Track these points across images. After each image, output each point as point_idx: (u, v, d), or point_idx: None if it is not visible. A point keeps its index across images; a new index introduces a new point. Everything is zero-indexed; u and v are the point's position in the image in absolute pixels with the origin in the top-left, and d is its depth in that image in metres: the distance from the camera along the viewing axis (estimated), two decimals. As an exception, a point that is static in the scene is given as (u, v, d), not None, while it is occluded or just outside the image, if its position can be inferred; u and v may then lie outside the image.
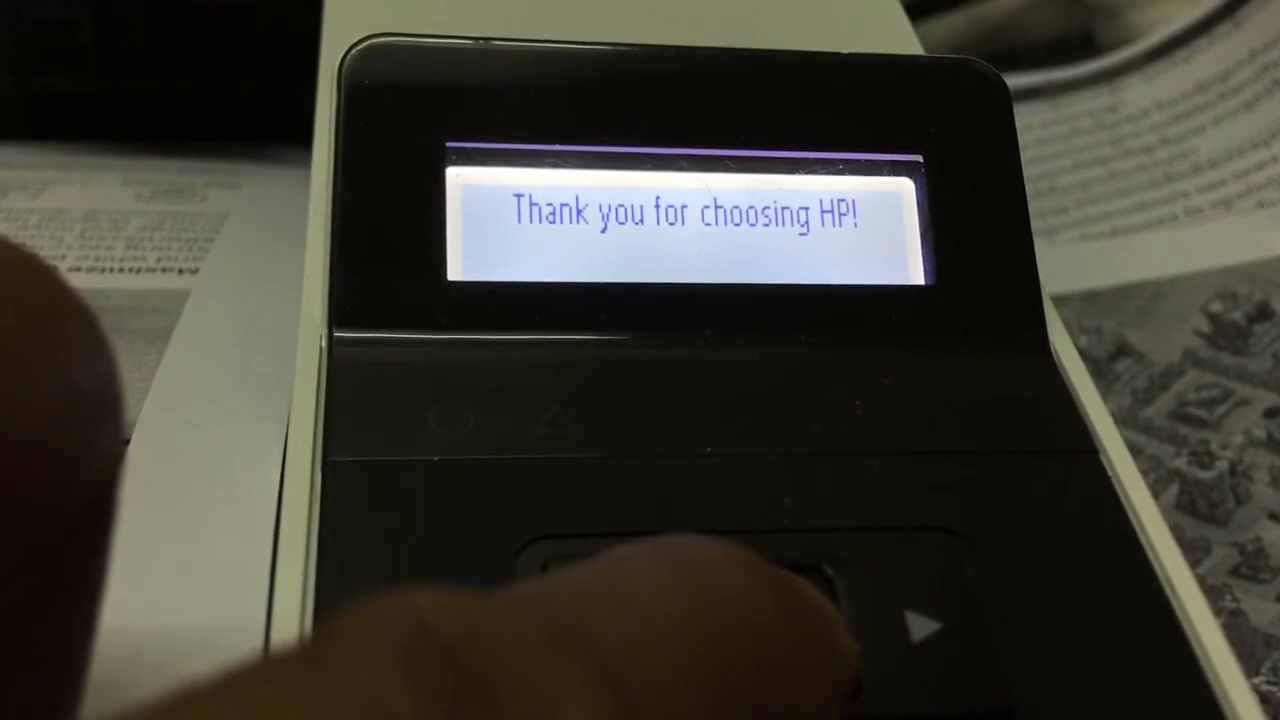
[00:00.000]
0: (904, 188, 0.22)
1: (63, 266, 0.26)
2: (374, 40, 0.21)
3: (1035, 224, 0.40)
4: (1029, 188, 0.43)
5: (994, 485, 0.19)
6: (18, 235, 0.27)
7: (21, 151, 0.33)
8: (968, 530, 0.18)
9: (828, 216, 0.22)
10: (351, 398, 0.18)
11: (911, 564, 0.18)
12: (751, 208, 0.21)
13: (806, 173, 0.22)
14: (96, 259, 0.26)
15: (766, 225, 0.21)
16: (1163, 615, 0.18)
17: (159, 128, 0.35)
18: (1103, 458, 0.19)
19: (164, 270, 0.26)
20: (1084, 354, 0.35)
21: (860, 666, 0.15)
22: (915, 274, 0.21)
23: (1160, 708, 0.17)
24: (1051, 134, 0.46)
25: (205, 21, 0.35)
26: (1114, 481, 0.19)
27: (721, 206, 0.21)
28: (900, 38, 0.25)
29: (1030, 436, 0.20)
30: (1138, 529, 0.19)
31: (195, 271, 0.26)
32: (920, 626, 0.17)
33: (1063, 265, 0.40)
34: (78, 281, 0.25)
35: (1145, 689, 0.17)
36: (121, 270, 0.26)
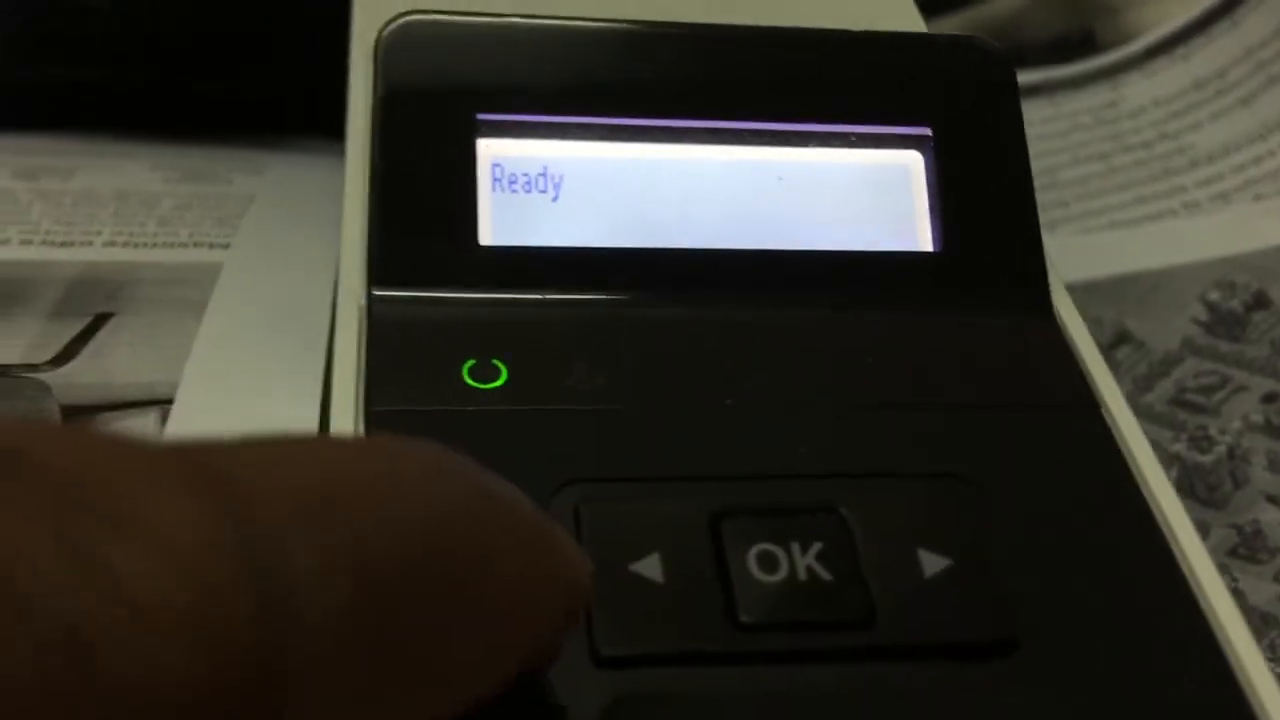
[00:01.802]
0: (912, 159, 0.23)
1: (98, 242, 0.27)
2: (409, 17, 0.22)
3: (1037, 216, 0.41)
4: (1030, 181, 0.43)
5: (1000, 436, 0.20)
6: (54, 213, 0.28)
7: (44, 140, 0.34)
8: (975, 476, 0.19)
9: (841, 186, 0.22)
10: (390, 352, 0.19)
11: (922, 506, 0.18)
12: (769, 177, 0.22)
13: (822, 145, 0.23)
14: (131, 235, 0.27)
15: (783, 194, 0.22)
16: (1160, 555, 0.18)
17: (179, 118, 0.36)
18: (1104, 412, 0.20)
19: (196, 245, 0.27)
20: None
21: (589, 592, 0.15)
22: (924, 241, 0.22)
23: (1153, 637, 0.18)
24: (1052, 130, 0.46)
25: (224, 10, 0.35)
26: (1114, 433, 0.20)
27: (740, 176, 0.22)
28: (905, 18, 0.26)
29: (1035, 392, 0.21)
30: (1138, 477, 0.19)
31: (226, 246, 0.26)
32: (931, 563, 0.18)
33: (1064, 257, 0.40)
34: (114, 256, 0.26)
35: (1141, 622, 0.18)
36: (155, 245, 0.26)
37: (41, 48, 0.36)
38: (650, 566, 0.17)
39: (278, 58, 0.36)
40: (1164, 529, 0.19)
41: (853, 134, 0.23)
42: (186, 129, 0.35)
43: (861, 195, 0.23)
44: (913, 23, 0.27)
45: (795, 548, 0.17)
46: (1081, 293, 0.38)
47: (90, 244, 0.26)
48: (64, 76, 0.36)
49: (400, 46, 0.21)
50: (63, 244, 0.26)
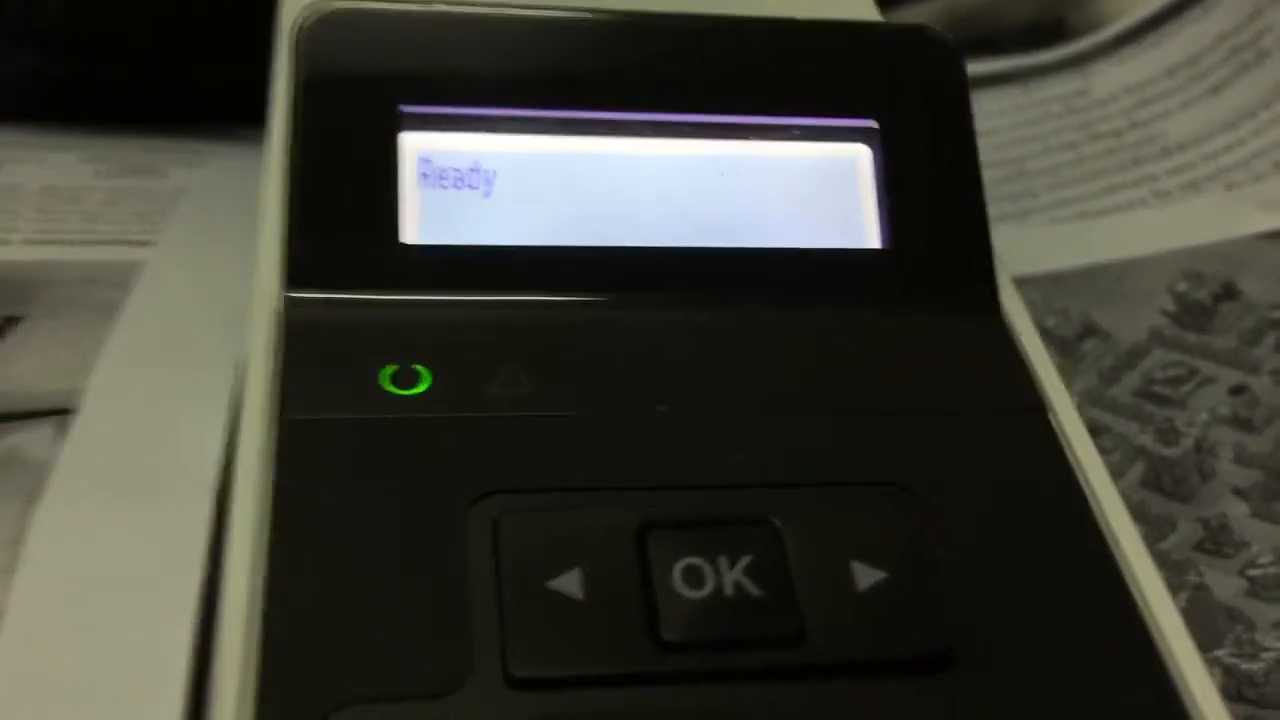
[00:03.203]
0: (859, 153, 0.22)
1: (15, 240, 0.26)
2: (328, 6, 0.21)
3: (1005, 208, 0.40)
4: (999, 172, 0.43)
5: (941, 442, 0.19)
6: (-27, 210, 0.27)
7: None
8: (915, 485, 0.18)
9: (784, 181, 0.22)
10: (305, 357, 0.19)
11: (858, 517, 0.18)
12: (707, 172, 0.22)
13: (763, 138, 0.22)
14: (51, 232, 0.26)
15: (722, 189, 0.22)
16: (1104, 566, 0.18)
17: (123, 109, 0.35)
18: (1051, 416, 0.20)
19: (118, 243, 0.26)
20: (1051, 334, 0.35)
21: None
22: (870, 237, 0.22)
23: (1095, 650, 0.17)
24: (1022, 119, 0.46)
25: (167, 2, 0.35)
26: (1062, 439, 0.19)
27: (677, 171, 0.21)
28: (859, 6, 0.25)
29: (980, 395, 0.20)
30: (1084, 485, 0.19)
31: (151, 243, 0.26)
32: (866, 575, 0.17)
33: (1032, 247, 0.40)
34: (31, 254, 0.25)
35: (1083, 635, 0.17)
36: (74, 243, 0.26)
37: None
38: (569, 582, 0.17)
39: (223, 46, 0.35)
40: (1107, 536, 0.18)
41: (796, 127, 0.22)
42: (131, 121, 0.34)
43: (806, 190, 0.22)
44: (867, 10, 0.26)
45: (723, 561, 0.17)
46: (1049, 284, 0.38)
47: (8, 242, 0.25)
48: (9, 69, 0.35)
49: (319, 36, 0.21)
50: (-22, 243, 0.26)
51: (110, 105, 0.35)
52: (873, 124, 0.22)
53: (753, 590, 0.17)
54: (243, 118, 0.35)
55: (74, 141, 0.32)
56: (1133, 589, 0.18)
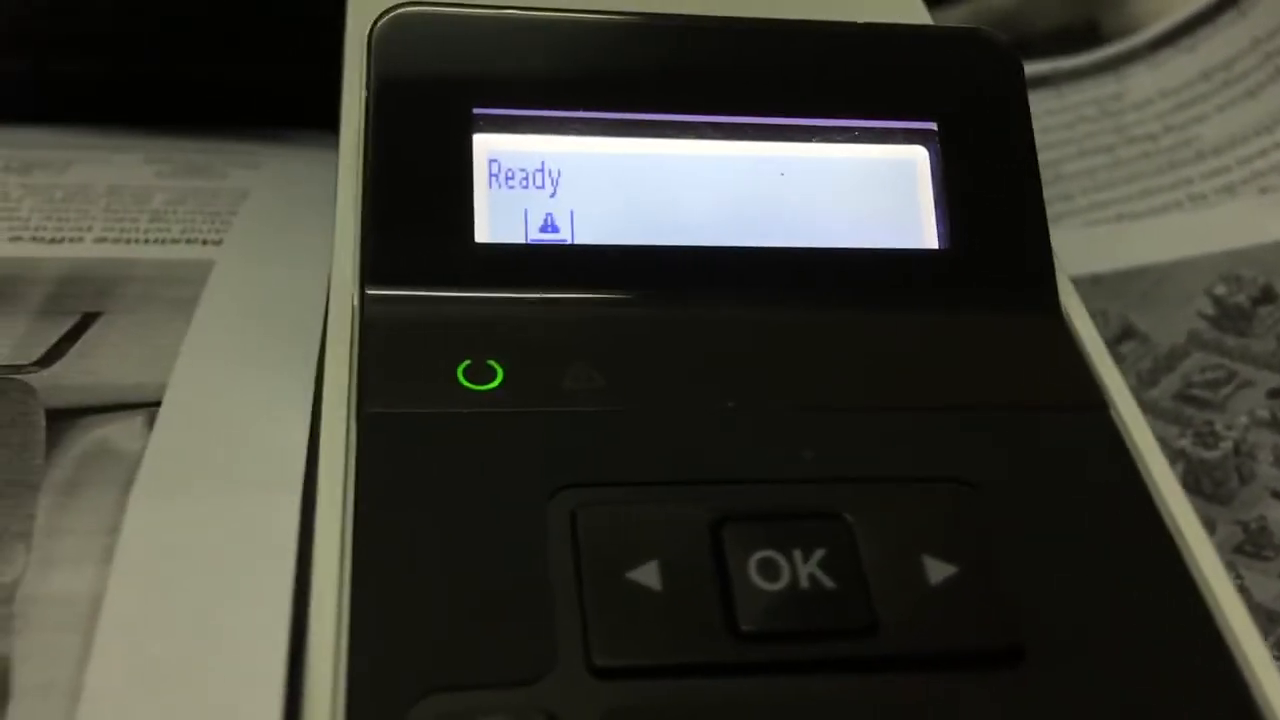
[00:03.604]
0: (918, 154, 0.22)
1: (89, 238, 0.26)
2: (403, 9, 0.21)
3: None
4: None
5: (1006, 438, 0.19)
6: (44, 208, 0.27)
7: (41, 133, 0.33)
8: (981, 480, 0.19)
9: (844, 182, 0.22)
10: (383, 352, 0.19)
11: (928, 512, 0.18)
12: (770, 173, 0.22)
13: (824, 140, 0.22)
14: (122, 231, 0.27)
15: (785, 190, 0.22)
16: (1169, 559, 0.18)
17: (177, 111, 0.35)
18: (1113, 412, 0.20)
19: (188, 241, 0.26)
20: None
21: None
22: (929, 238, 0.22)
23: (1162, 643, 0.17)
24: (1057, 122, 0.46)
25: (222, 4, 0.35)
26: (1124, 435, 0.20)
27: (741, 172, 0.22)
28: (910, 10, 0.26)
29: (1042, 392, 0.20)
30: (1146, 479, 0.19)
31: (219, 243, 0.26)
32: (937, 570, 0.17)
33: (1068, 250, 0.40)
34: (104, 252, 0.26)
35: (1150, 628, 0.17)
36: (147, 241, 0.26)
37: (40, 40, 0.35)
38: (648, 574, 0.17)
39: (278, 49, 0.36)
40: (1173, 532, 0.19)
41: (857, 129, 0.22)
42: (184, 122, 0.34)
43: (866, 191, 0.22)
44: (918, 15, 0.26)
45: (797, 555, 0.17)
46: (1086, 287, 0.38)
47: (80, 240, 0.26)
48: (63, 69, 0.35)
49: (393, 39, 0.21)
50: (52, 240, 0.26)
51: (162, 107, 0.35)
52: (931, 126, 0.22)
53: (826, 583, 0.17)
54: (289, 119, 0.35)
55: (131, 143, 0.32)
56: (1199, 584, 0.18)
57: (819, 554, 0.17)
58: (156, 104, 0.35)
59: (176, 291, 0.24)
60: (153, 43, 0.35)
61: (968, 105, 0.23)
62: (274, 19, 0.35)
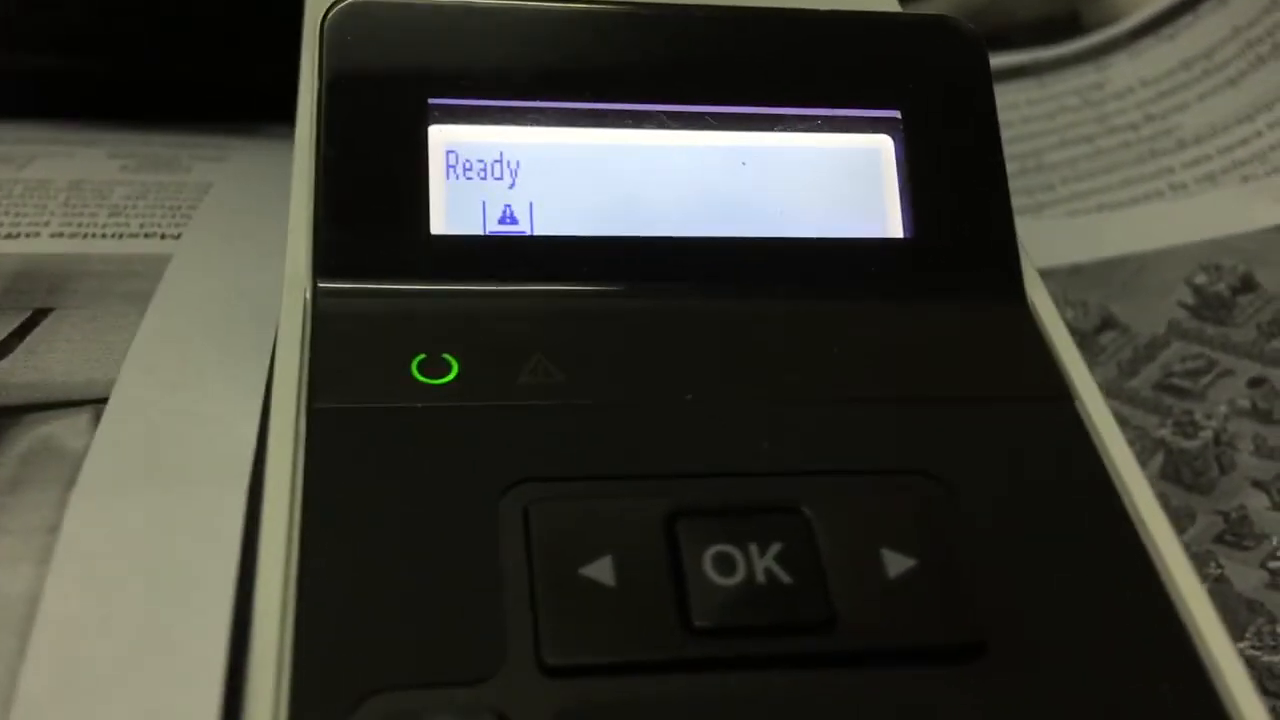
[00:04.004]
0: (882, 143, 0.22)
1: (45, 233, 0.26)
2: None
3: (1022, 201, 0.40)
4: (1015, 165, 0.43)
5: (970, 430, 0.19)
6: (2, 204, 0.27)
7: (8, 128, 0.33)
8: (943, 473, 0.18)
9: (808, 171, 0.22)
10: (335, 346, 0.19)
11: (887, 504, 0.18)
12: (731, 163, 0.22)
13: (786, 128, 0.22)
14: (80, 225, 0.26)
15: (746, 180, 0.22)
16: (1134, 553, 0.18)
17: (147, 106, 0.35)
18: (1077, 404, 0.20)
19: (146, 236, 0.26)
20: (1069, 327, 0.35)
21: None
22: (893, 227, 0.22)
23: (1127, 638, 0.17)
24: (1038, 112, 0.46)
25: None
26: (1088, 426, 0.19)
27: (703, 161, 0.22)
28: (878, -4, 0.25)
29: (1006, 383, 0.20)
30: (1111, 471, 0.19)
31: (177, 237, 0.26)
32: (896, 563, 0.17)
33: (1049, 241, 0.40)
34: (60, 247, 0.26)
35: (1115, 622, 0.17)
36: (104, 236, 0.26)
37: (8, 35, 0.35)
38: (601, 569, 0.17)
39: (246, 41, 0.35)
40: (1137, 524, 0.18)
41: (820, 117, 0.22)
42: (154, 117, 0.34)
43: (829, 180, 0.22)
44: (887, 1, 0.26)
45: (753, 549, 0.17)
46: (1067, 277, 0.38)
47: (37, 235, 0.25)
48: (30, 64, 0.35)
49: (345, 29, 0.21)
50: (7, 235, 0.26)
51: (133, 101, 0.35)
52: (896, 114, 0.22)
53: (783, 577, 0.17)
54: (262, 114, 0.35)
55: (99, 137, 0.32)
56: (1163, 577, 0.18)
57: (775, 548, 0.17)
58: (126, 99, 0.34)
59: (132, 286, 0.24)
60: (122, 38, 0.35)
61: (933, 93, 0.22)
62: (245, 13, 0.35)
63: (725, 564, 0.17)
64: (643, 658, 0.16)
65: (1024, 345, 0.21)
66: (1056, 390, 0.20)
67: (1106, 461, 0.19)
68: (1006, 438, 0.19)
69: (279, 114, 0.33)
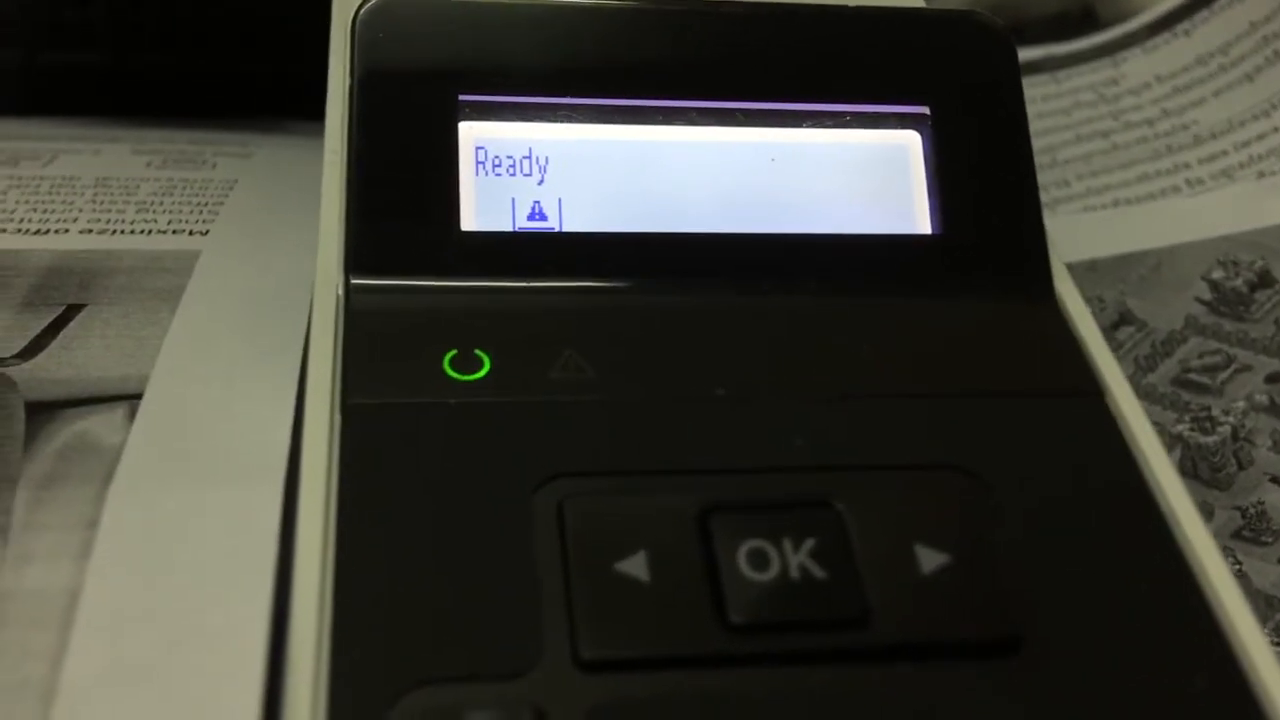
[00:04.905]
0: (910, 139, 0.22)
1: (74, 229, 0.26)
2: (385, -5, 0.21)
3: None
4: (1031, 160, 0.42)
5: (1001, 425, 0.19)
6: (30, 200, 0.27)
7: (32, 125, 0.33)
8: (976, 468, 0.18)
9: (836, 167, 0.22)
10: (368, 343, 0.19)
11: (920, 500, 0.18)
12: (760, 159, 0.22)
13: (815, 125, 0.22)
14: (108, 221, 0.26)
15: (775, 176, 0.22)
16: (1165, 546, 0.18)
17: (170, 103, 0.35)
18: (1108, 398, 0.20)
19: (175, 232, 0.26)
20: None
21: None
22: (922, 223, 0.22)
23: (1159, 631, 0.17)
24: (1053, 107, 0.46)
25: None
26: (1119, 421, 0.19)
27: (732, 157, 0.22)
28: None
29: (1037, 378, 0.20)
30: (1142, 466, 0.19)
31: (205, 233, 0.26)
32: (929, 559, 0.17)
33: (1065, 236, 0.40)
34: (89, 243, 0.26)
35: (1147, 616, 0.17)
36: (133, 232, 0.26)
37: (31, 32, 0.35)
38: (636, 565, 0.17)
39: (271, 38, 0.35)
40: (1169, 518, 0.18)
41: (848, 113, 0.22)
42: (179, 113, 0.34)
43: (858, 177, 0.22)
44: (909, -3, 0.26)
45: (787, 544, 0.17)
46: (1083, 272, 0.38)
47: (66, 231, 0.26)
48: (55, 61, 0.35)
49: (377, 26, 0.21)
50: (37, 232, 0.26)
51: (157, 98, 0.35)
52: (924, 110, 0.22)
53: (817, 573, 0.17)
54: (283, 109, 0.35)
55: (123, 133, 0.32)
56: (1196, 570, 0.18)
57: (809, 543, 0.17)
58: (151, 95, 0.34)
59: (162, 282, 0.24)
60: (147, 33, 0.35)
61: (961, 89, 0.22)
62: (265, 8, 0.35)
63: (759, 559, 0.17)
64: (678, 653, 0.16)
65: (1054, 340, 0.21)
66: (1087, 385, 0.20)
67: (1138, 456, 0.19)
68: (1038, 433, 0.19)
69: (299, 110, 0.33)
